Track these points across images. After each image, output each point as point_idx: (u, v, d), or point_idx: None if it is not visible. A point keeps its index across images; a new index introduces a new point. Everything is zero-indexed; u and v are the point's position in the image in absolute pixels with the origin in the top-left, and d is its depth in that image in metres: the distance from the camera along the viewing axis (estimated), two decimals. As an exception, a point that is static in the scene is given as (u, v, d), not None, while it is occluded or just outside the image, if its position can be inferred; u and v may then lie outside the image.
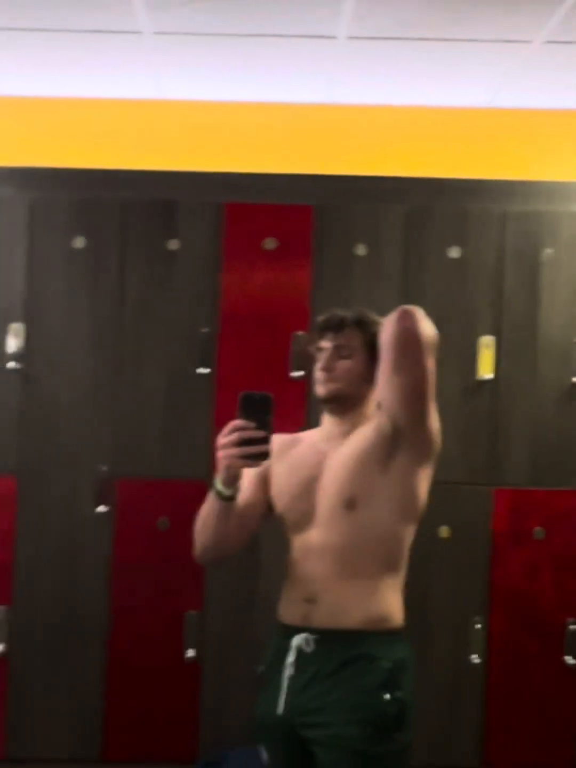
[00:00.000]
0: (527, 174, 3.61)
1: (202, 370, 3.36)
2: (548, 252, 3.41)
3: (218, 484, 2.01)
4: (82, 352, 3.38)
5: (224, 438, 1.95)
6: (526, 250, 3.41)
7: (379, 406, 2.14)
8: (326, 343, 2.17)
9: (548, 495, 3.41)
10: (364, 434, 2.13)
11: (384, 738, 2.00)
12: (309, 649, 2.07)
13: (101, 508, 3.33)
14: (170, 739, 3.33)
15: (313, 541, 2.12)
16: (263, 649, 3.20)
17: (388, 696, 2.01)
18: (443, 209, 3.43)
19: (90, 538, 3.35)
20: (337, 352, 2.15)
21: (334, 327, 2.16)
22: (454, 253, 3.41)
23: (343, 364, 2.14)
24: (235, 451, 1.93)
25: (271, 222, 3.41)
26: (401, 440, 2.08)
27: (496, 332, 3.39)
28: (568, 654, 3.35)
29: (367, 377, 2.15)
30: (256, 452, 1.93)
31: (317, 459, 2.17)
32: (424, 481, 2.14)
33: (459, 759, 3.37)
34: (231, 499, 2.02)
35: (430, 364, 2.03)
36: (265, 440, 1.93)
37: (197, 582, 3.33)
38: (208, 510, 2.07)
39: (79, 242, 3.38)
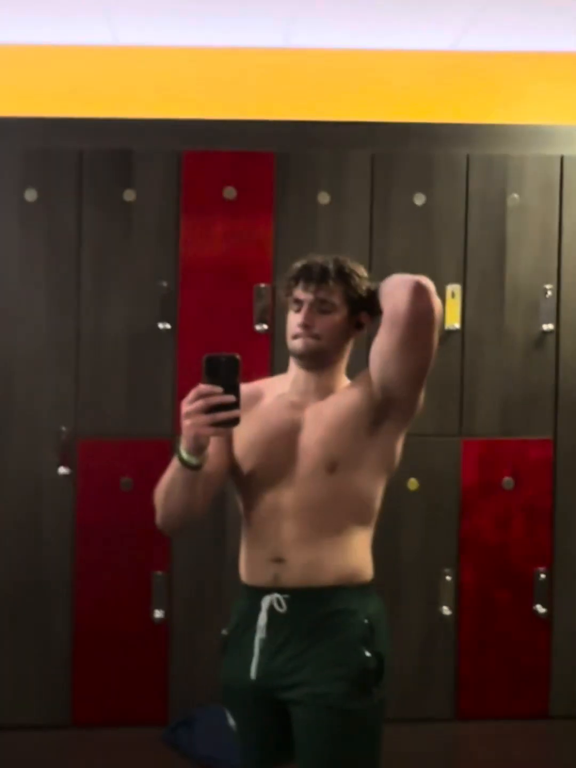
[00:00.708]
0: (492, 117, 3.53)
1: (163, 326, 3.27)
2: (514, 197, 3.34)
3: (184, 453, 1.86)
4: (38, 310, 3.27)
5: (189, 405, 1.80)
6: (492, 196, 3.35)
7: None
8: (305, 295, 2.01)
9: (517, 445, 3.38)
10: (351, 398, 2.02)
11: (364, 693, 1.95)
12: (282, 610, 2.00)
13: (63, 470, 3.25)
14: (140, 700, 3.29)
15: (285, 501, 2.02)
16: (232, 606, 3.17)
17: (367, 652, 1.96)
18: (407, 155, 3.34)
19: (52, 501, 3.27)
20: (318, 306, 2.00)
21: (316, 279, 2.00)
22: (419, 199, 3.33)
23: (324, 320, 2.00)
24: (202, 418, 1.79)
25: (232, 170, 3.30)
26: (391, 409, 2.00)
27: (462, 280, 3.33)
28: (537, 602, 3.34)
29: (346, 332, 2.03)
30: (225, 419, 1.79)
31: (292, 416, 2.05)
32: (401, 440, 2.08)
33: (433, 711, 3.36)
34: (198, 467, 1.89)
35: (437, 340, 1.97)
36: (235, 405, 1.79)
37: (163, 542, 3.26)
38: (172, 478, 1.93)
39: (30, 195, 3.25)
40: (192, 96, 3.58)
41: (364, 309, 2.04)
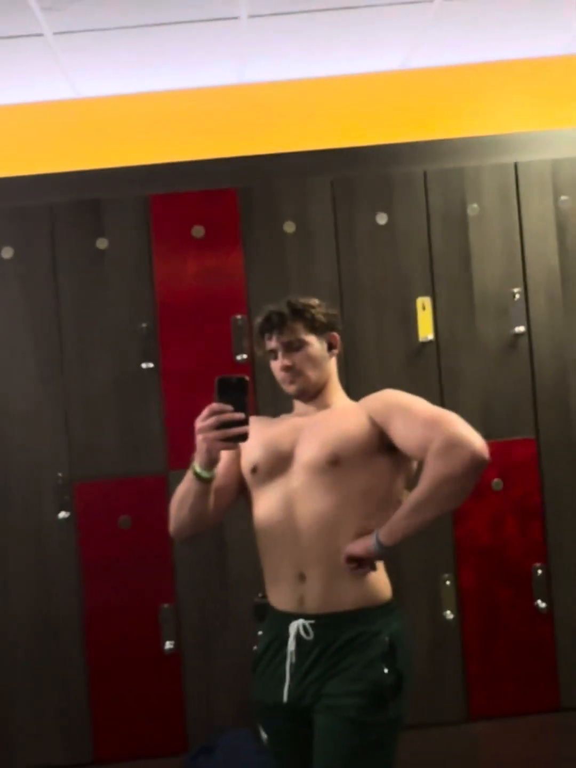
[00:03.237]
0: (445, 132, 3.63)
1: (146, 365, 3.36)
2: (474, 207, 3.44)
3: (197, 467, 2.03)
4: (25, 362, 3.36)
5: (202, 421, 1.96)
6: (452, 208, 3.44)
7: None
8: (274, 343, 2.20)
9: (502, 446, 3.45)
10: (355, 416, 2.16)
11: (380, 708, 2.04)
12: (309, 637, 2.10)
13: (63, 514, 3.34)
14: (159, 731, 3.36)
15: (293, 497, 2.13)
16: (240, 631, 3.25)
17: (386, 669, 2.05)
18: (366, 177, 3.44)
19: (56, 545, 3.35)
20: (289, 347, 2.19)
21: (277, 325, 2.19)
22: (382, 219, 3.42)
23: (300, 356, 2.19)
24: (213, 434, 1.95)
25: (198, 209, 3.41)
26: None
27: (432, 292, 3.42)
28: (537, 598, 3.41)
29: (323, 357, 2.23)
30: (234, 434, 1.96)
31: (295, 422, 2.22)
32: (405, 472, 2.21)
33: (445, 714, 3.42)
34: (209, 480, 2.05)
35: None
36: (244, 422, 1.96)
37: (167, 574, 3.35)
38: (185, 490, 2.10)
39: (7, 252, 3.35)
40: (154, 140, 3.68)
41: (329, 330, 2.25)
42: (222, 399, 1.95)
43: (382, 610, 2.13)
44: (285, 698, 2.10)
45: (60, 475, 3.34)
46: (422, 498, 2.02)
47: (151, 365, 3.36)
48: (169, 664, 3.37)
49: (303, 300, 2.23)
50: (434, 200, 3.43)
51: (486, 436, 3.37)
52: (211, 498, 2.11)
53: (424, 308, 3.40)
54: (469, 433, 2.01)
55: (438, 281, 3.42)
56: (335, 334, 2.25)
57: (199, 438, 1.98)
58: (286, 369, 2.18)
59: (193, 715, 3.37)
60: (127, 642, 3.36)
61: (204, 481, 2.05)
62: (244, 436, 1.97)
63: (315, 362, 2.19)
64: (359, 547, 2.08)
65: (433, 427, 2.02)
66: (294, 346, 2.18)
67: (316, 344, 2.20)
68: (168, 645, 3.34)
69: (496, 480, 3.44)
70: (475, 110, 3.76)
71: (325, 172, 3.42)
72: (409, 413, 2.10)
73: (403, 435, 2.08)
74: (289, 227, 3.41)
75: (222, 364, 3.34)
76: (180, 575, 3.36)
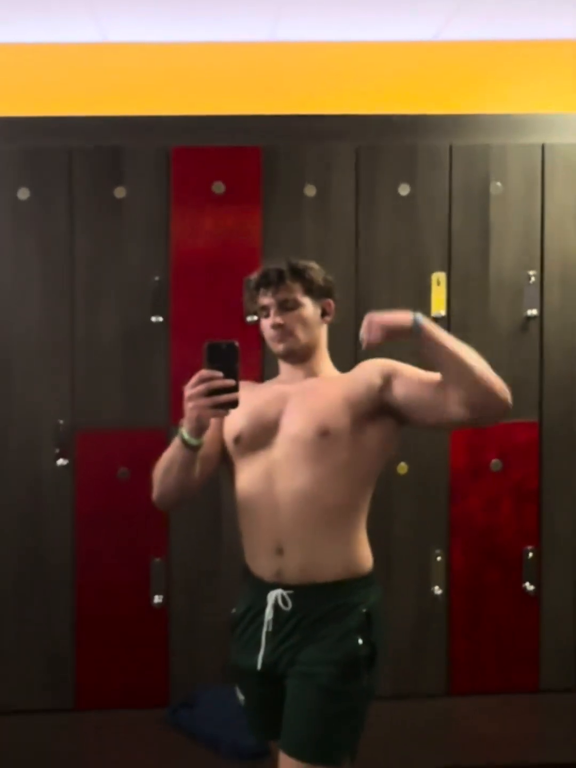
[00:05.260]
0: (474, 107, 3.59)
1: (156, 319, 3.34)
2: (497, 185, 3.41)
3: (185, 434, 1.98)
4: (33, 306, 3.34)
5: (191, 388, 1.92)
6: (475, 185, 3.41)
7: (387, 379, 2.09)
8: (268, 300, 2.14)
9: (505, 428, 3.45)
10: (346, 384, 2.13)
11: (353, 677, 2.04)
12: (287, 608, 2.08)
13: (61, 462, 3.33)
14: (142, 684, 3.38)
15: (276, 468, 2.09)
16: (229, 591, 3.25)
17: (361, 640, 2.05)
18: (391, 146, 3.40)
19: (52, 492, 3.35)
20: (283, 306, 2.13)
21: (275, 282, 2.13)
22: (404, 190, 3.39)
23: (293, 316, 2.13)
24: (204, 401, 1.91)
25: (220, 165, 3.37)
26: (394, 414, 2.09)
27: (447, 268, 3.40)
28: (526, 580, 3.44)
29: (316, 322, 2.17)
30: (225, 401, 1.91)
31: (281, 389, 2.17)
32: (398, 431, 2.15)
33: (427, 687, 3.46)
34: (198, 448, 2.00)
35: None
36: (234, 389, 1.91)
37: (161, 529, 3.35)
38: (171, 457, 2.05)
39: (23, 193, 3.31)
40: (179, 92, 3.63)
41: (325, 297, 2.19)
42: (212, 365, 1.91)
43: (362, 582, 2.11)
44: (259, 665, 2.10)
45: (61, 422, 3.32)
46: (462, 348, 2.03)
47: (160, 319, 3.34)
48: (156, 618, 3.38)
49: (302, 261, 2.18)
50: (458, 175, 3.40)
51: (489, 416, 3.43)
52: (197, 466, 2.06)
53: (438, 283, 3.38)
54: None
55: (455, 257, 3.41)
56: (331, 301, 2.20)
57: (189, 405, 1.92)
58: (277, 327, 2.13)
59: (177, 669, 3.39)
60: (116, 593, 3.37)
61: (192, 449, 2.00)
62: (234, 403, 1.92)
63: (307, 325, 2.14)
64: (398, 315, 2.02)
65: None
66: (288, 306, 2.13)
67: (310, 307, 2.15)
68: (157, 599, 3.35)
69: (495, 460, 3.44)
70: (505, 87, 3.72)
71: (350, 137, 3.38)
72: (415, 371, 2.10)
73: (416, 380, 2.08)
74: (310, 191, 3.37)
75: (232, 323, 3.32)
76: (174, 531, 3.37)
